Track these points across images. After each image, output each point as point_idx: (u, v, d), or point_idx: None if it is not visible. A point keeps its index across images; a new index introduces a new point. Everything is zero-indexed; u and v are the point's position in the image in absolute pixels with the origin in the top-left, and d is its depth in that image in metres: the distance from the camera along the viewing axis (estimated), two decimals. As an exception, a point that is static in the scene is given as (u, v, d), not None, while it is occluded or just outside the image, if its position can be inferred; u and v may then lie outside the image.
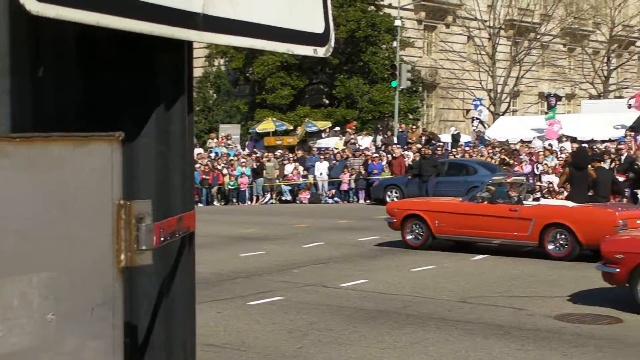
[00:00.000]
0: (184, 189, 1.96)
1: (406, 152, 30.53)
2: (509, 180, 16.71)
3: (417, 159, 27.85)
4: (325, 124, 39.04)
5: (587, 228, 14.30)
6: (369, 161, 29.89)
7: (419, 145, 31.28)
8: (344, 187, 29.97)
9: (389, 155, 30.28)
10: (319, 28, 2.21)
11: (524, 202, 15.75)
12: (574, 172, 16.97)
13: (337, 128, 38.04)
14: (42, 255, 1.45)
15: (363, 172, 29.60)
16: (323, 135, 37.61)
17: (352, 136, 34.91)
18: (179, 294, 1.92)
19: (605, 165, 25.41)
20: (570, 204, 15.59)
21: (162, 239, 1.71)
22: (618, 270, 10.43)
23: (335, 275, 13.30)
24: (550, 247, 14.96)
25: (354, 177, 29.71)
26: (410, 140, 33.48)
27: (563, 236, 14.85)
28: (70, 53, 1.85)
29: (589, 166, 17.26)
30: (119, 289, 1.57)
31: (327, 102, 45.52)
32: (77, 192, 1.52)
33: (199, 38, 1.88)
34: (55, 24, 1.82)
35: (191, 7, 1.81)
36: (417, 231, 16.61)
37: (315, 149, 33.17)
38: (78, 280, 1.51)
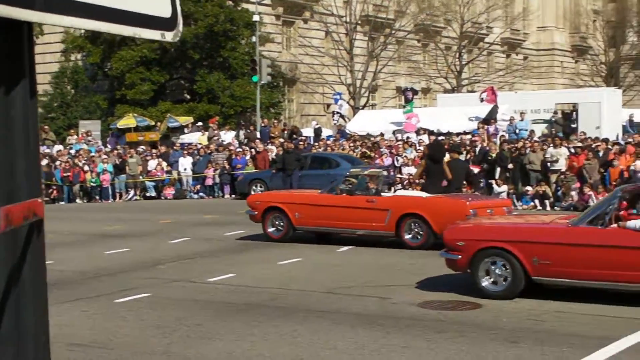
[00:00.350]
0: (29, 175, 1.89)
1: (270, 147, 30.61)
2: (366, 172, 16.99)
3: (281, 153, 27.98)
4: (188, 120, 38.63)
5: (440, 218, 14.73)
6: (233, 156, 29.81)
7: (281, 140, 31.42)
8: (209, 182, 29.76)
9: (253, 150, 30.29)
10: (166, 12, 2.21)
11: (382, 193, 16.10)
12: (429, 164, 17.44)
13: (200, 123, 37.72)
14: None
15: (227, 167, 29.49)
16: (185, 130, 37.20)
17: (216, 131, 34.70)
18: (29, 283, 1.85)
19: (462, 157, 26.35)
20: (424, 194, 16.08)
21: (7, 225, 1.64)
22: (460, 257, 10.95)
23: (202, 270, 13.21)
24: (407, 236, 15.41)
25: (218, 172, 29.55)
26: (272, 135, 33.59)
27: (418, 226, 15.32)
28: None
29: (445, 160, 17.77)
30: None
31: (188, 97, 45.03)
32: None
33: (39, 19, 1.82)
34: None
35: None
36: (277, 223, 16.67)
37: (178, 145, 32.76)
38: None
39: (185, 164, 30.17)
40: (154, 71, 42.27)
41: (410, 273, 12.64)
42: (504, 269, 10.64)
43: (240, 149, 30.56)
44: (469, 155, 26.40)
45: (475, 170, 25.14)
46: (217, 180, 29.65)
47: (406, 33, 54.33)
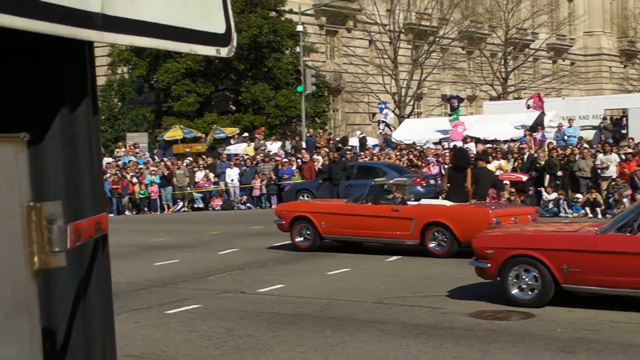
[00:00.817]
0: (94, 191, 1.92)
1: (316, 157, 30.61)
2: (392, 181, 17.13)
3: (327, 163, 27.95)
4: (234, 130, 38.86)
5: (464, 226, 14.88)
6: (279, 166, 29.86)
7: (327, 149, 31.40)
8: (256, 192, 29.84)
9: (299, 160, 30.30)
10: (220, 28, 2.25)
11: (407, 202, 16.18)
12: (452, 172, 17.55)
13: (246, 134, 37.91)
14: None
15: (274, 177, 29.55)
16: (232, 141, 37.42)
17: (262, 142, 34.83)
18: (96, 296, 1.88)
19: (509, 164, 26.10)
20: (448, 203, 16.12)
21: (76, 240, 1.64)
22: (489, 265, 10.90)
23: (251, 280, 13.21)
24: (432, 244, 15.50)
25: (265, 182, 29.63)
26: (318, 145, 33.58)
27: (442, 234, 15.40)
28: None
29: (469, 169, 17.82)
30: (34, 292, 1.50)
31: (233, 108, 45.31)
32: (-18, 194, 1.43)
33: (100, 38, 1.84)
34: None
35: (89, 7, 1.79)
36: (305, 233, 16.84)
37: (224, 156, 32.95)
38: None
39: (232, 174, 30.31)
40: (199, 83, 42.62)
41: (461, 282, 12.46)
42: (533, 277, 10.58)
43: (287, 160, 30.60)
44: (516, 163, 26.11)
45: (524, 178, 24.86)
46: (264, 190, 29.70)
47: (450, 40, 54.09)
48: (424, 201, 16.98)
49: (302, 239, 16.85)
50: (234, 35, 2.24)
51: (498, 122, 34.00)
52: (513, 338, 8.92)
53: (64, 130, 1.81)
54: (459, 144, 31.38)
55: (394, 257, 15.51)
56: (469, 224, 14.71)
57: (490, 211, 15.22)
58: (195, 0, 2.13)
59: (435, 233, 15.45)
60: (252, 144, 34.98)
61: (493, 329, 9.40)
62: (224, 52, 2.19)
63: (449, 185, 17.72)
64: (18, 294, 1.45)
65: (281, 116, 42.94)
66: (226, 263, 15.37)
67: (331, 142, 34.69)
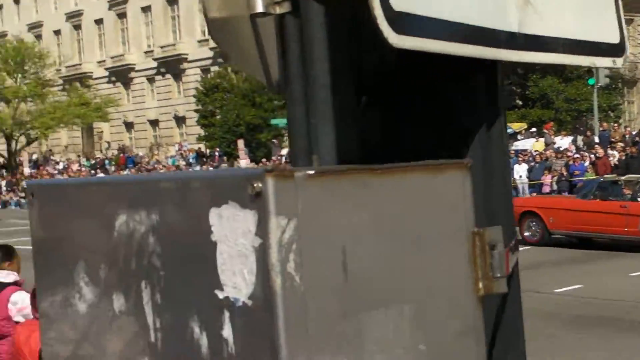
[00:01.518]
0: (507, 214, 1.96)
1: (611, 152, 29.23)
2: (623, 178, 17.20)
3: (624, 158, 26.66)
4: (521, 126, 38.16)
5: None
6: (570, 162, 28.91)
7: (622, 144, 29.90)
8: (546, 189, 29.05)
9: (592, 156, 29.12)
10: (615, 38, 2.19)
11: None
12: None
13: (534, 129, 37.06)
14: (406, 286, 1.47)
15: (565, 173, 28.65)
16: (519, 137, 36.78)
17: (552, 137, 33.91)
18: (511, 318, 1.92)
19: None
20: None
21: (510, 265, 1.70)
22: None
23: (547, 280, 12.97)
24: None
25: (555, 179, 28.80)
26: (613, 139, 32.04)
27: None
28: (390, 79, 1.87)
29: None
30: (480, 318, 1.58)
31: (520, 103, 44.46)
32: (433, 221, 1.54)
33: (518, 58, 1.88)
34: (375, 52, 1.86)
35: (509, 27, 1.81)
36: (533, 228, 17.22)
37: (512, 151, 32.46)
38: (441, 310, 1.52)
39: (521, 171, 29.81)
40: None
41: None
42: None
43: (578, 155, 29.54)
44: None
45: None
46: (555, 187, 28.87)
47: None
48: None
49: (530, 233, 17.27)
50: (627, 44, 2.20)
51: None
52: None
53: (482, 152, 1.83)
54: None
55: None
56: None
57: None
58: (592, 12, 2.13)
59: None
60: (541, 139, 34.14)
61: None
62: (619, 62, 2.17)
63: None
64: (465, 320, 1.55)
65: (571, 110, 41.48)
66: (520, 261, 15.13)
67: (627, 136, 32.96)
